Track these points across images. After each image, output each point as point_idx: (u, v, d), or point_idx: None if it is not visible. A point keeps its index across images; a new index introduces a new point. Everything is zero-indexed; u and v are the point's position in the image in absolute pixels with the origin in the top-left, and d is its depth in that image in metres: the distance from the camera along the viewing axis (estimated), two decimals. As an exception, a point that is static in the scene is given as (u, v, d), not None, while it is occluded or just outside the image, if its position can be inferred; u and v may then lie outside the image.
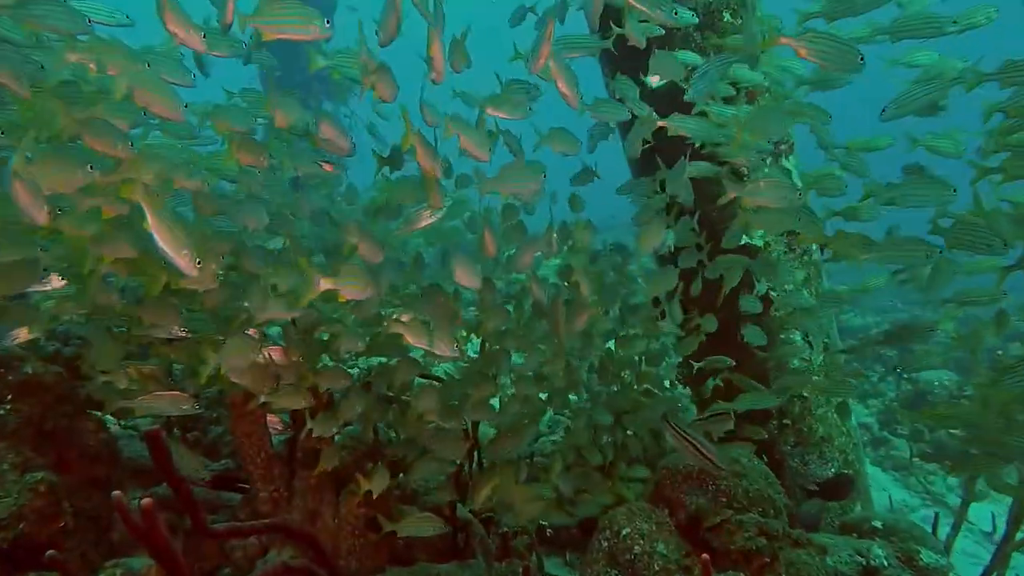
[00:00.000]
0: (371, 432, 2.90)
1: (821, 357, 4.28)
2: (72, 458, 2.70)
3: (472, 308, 3.83)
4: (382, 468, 2.51)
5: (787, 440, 4.27)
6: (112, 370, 2.44)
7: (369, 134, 6.30)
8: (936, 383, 7.96)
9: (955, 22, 2.85)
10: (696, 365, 3.92)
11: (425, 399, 2.51)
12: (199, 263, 1.97)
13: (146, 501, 1.54)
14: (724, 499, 2.64)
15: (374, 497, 2.55)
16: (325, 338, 2.69)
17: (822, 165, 3.58)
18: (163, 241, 1.92)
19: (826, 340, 4.32)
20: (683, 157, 3.20)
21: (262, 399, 2.35)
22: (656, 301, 3.90)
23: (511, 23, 4.08)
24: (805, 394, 4.24)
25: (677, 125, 3.12)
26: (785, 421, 4.25)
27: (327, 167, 2.68)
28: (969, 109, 3.18)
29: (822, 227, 2.77)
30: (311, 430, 2.47)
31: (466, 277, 2.41)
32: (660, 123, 3.12)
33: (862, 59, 2.43)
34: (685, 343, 3.71)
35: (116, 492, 1.56)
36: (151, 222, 1.91)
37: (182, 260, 1.95)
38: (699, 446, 2.52)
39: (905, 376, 8.14)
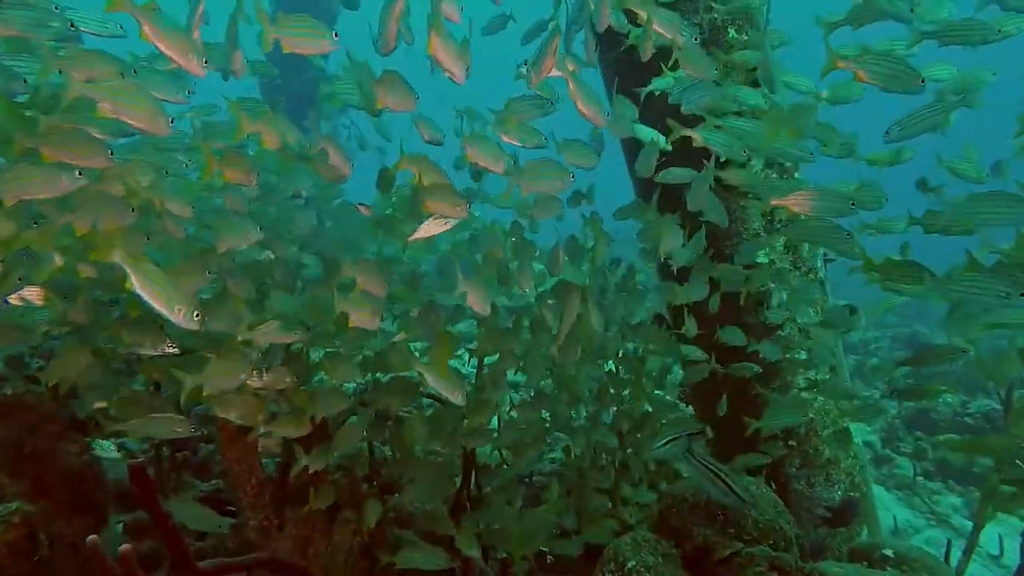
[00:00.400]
0: (367, 454, 2.80)
1: (828, 377, 4.18)
2: (53, 482, 2.58)
3: (472, 320, 3.73)
4: (374, 501, 2.41)
5: (792, 462, 4.17)
6: (74, 381, 2.37)
7: (360, 147, 6.22)
8: (940, 401, 7.86)
9: (999, 31, 2.75)
10: (713, 367, 3.72)
11: (418, 427, 2.41)
12: (197, 315, 1.94)
13: (124, 548, 1.44)
14: (733, 530, 2.54)
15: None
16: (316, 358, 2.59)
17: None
18: (154, 302, 1.89)
19: (831, 361, 4.22)
20: (706, 168, 3.10)
21: (258, 431, 2.26)
22: (660, 317, 3.80)
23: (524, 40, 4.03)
24: (811, 415, 4.15)
25: (705, 137, 3.02)
26: (791, 442, 4.15)
27: (363, 210, 2.68)
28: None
29: (862, 248, 2.62)
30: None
31: (477, 302, 2.34)
32: (691, 135, 3.01)
33: (922, 81, 2.35)
34: (695, 369, 3.60)
35: (92, 538, 1.45)
36: (137, 284, 1.86)
37: (178, 316, 1.93)
38: (725, 478, 2.43)
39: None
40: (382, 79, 2.31)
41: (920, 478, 7.08)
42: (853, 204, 2.52)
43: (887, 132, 2.67)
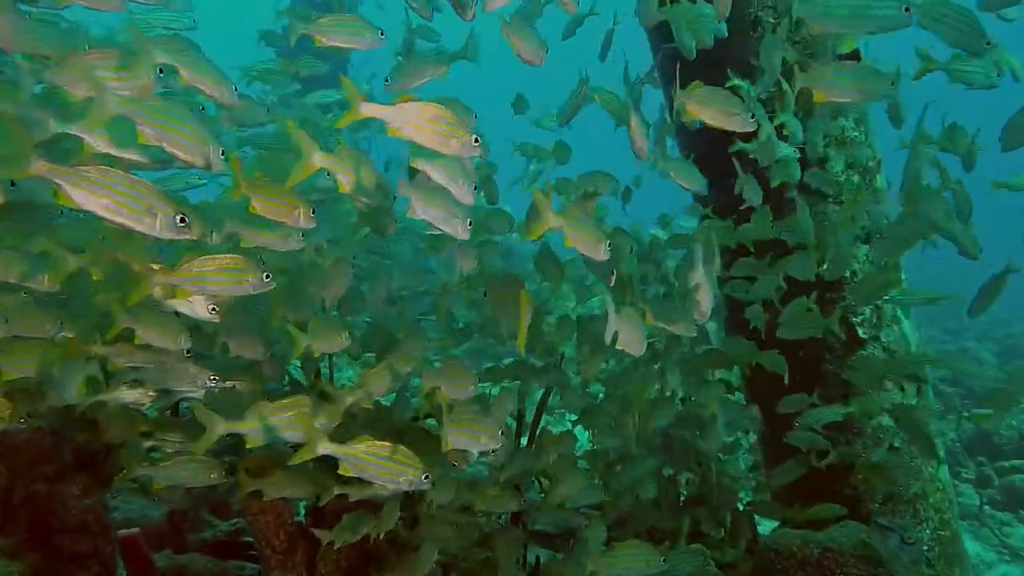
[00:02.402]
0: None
1: (915, 400, 3.75)
2: (50, 531, 2.23)
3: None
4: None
5: (875, 497, 3.72)
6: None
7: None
8: (1002, 423, 7.36)
9: None
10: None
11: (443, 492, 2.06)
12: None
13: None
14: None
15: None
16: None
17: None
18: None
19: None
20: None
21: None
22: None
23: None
24: (897, 444, 3.72)
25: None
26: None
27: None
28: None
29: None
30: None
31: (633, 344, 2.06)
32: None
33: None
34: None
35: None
36: None
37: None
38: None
39: (966, 415, 7.55)
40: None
41: (987, 507, 6.57)
42: (893, 84, 2.19)
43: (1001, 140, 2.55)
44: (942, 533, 3.77)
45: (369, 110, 1.68)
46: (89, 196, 1.50)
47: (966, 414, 7.59)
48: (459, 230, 1.85)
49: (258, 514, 2.04)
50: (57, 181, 1.48)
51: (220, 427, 1.82)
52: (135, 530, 1.59)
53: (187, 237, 1.64)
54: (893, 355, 3.63)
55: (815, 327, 2.80)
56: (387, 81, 2.45)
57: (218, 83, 1.89)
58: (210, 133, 1.75)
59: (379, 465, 1.77)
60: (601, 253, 1.89)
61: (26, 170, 1.47)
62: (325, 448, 1.73)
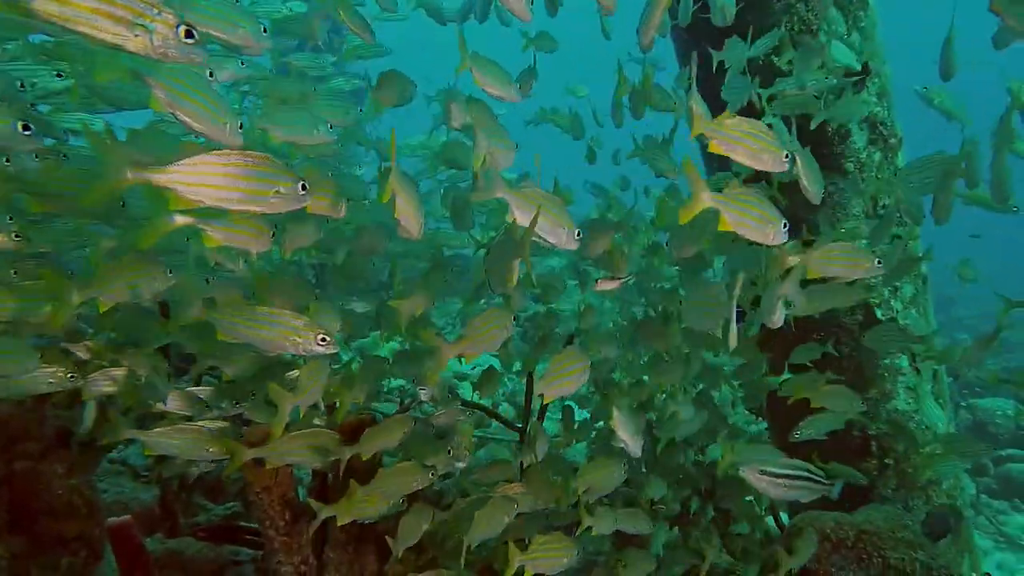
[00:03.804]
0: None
1: (930, 385, 3.67)
2: (35, 512, 2.07)
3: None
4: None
5: (888, 483, 3.64)
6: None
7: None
8: (998, 412, 7.34)
9: None
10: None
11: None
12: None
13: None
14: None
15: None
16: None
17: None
18: None
19: (935, 367, 3.70)
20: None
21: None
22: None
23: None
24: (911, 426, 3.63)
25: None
26: (887, 460, 3.63)
27: None
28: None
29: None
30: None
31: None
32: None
33: None
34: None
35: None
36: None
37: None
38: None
39: (964, 404, 7.52)
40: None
41: (983, 495, 6.54)
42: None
43: None
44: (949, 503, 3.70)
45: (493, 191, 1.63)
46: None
47: (964, 404, 7.57)
48: (565, 240, 1.73)
49: (261, 492, 1.88)
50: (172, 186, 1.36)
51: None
52: (126, 517, 1.44)
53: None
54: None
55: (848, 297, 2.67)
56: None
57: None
58: (228, 105, 1.61)
59: None
60: (772, 237, 1.66)
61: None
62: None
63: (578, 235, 1.73)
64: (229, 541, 2.84)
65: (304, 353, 1.65)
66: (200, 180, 1.34)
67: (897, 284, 3.47)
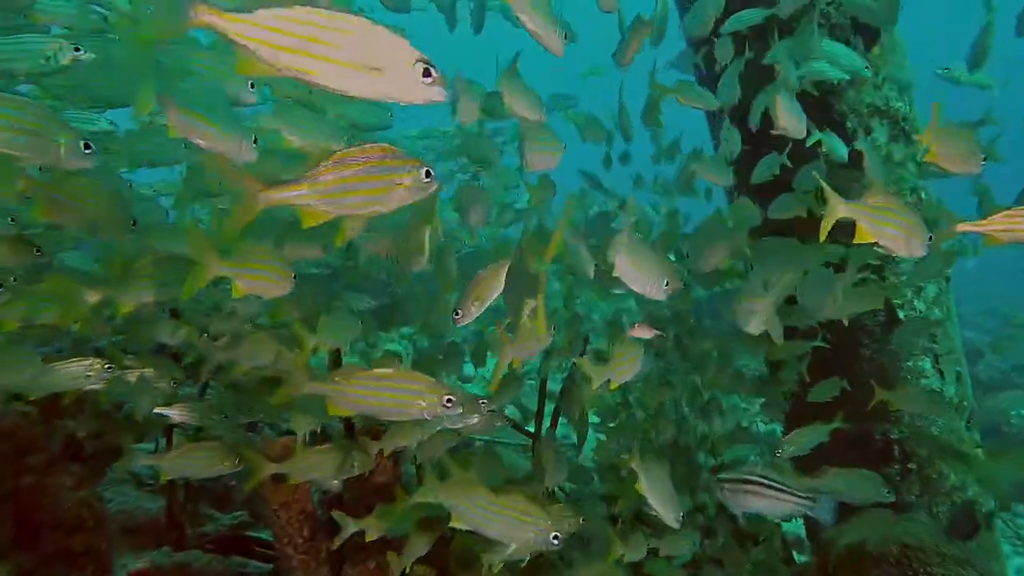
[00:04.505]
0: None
1: (954, 388, 3.58)
2: (42, 526, 1.99)
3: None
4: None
5: (912, 489, 3.55)
6: None
7: None
8: (1013, 413, 7.25)
9: None
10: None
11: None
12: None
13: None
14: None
15: None
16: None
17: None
18: None
19: (958, 369, 3.62)
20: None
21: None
22: None
23: None
24: (935, 431, 3.55)
25: None
26: (910, 465, 3.54)
27: None
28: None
29: None
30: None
31: None
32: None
33: None
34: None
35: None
36: None
37: None
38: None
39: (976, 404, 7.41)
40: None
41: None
42: None
43: None
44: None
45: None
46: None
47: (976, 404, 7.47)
48: (655, 292, 1.69)
49: (279, 508, 1.81)
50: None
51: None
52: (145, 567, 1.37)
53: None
54: (935, 338, 3.46)
55: (873, 300, 2.59)
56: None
57: None
58: (239, 124, 1.60)
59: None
60: (919, 249, 1.59)
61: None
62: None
63: (666, 284, 1.67)
64: (237, 551, 2.77)
65: (431, 417, 1.57)
66: (330, 191, 1.26)
67: (921, 284, 3.39)
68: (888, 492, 2.24)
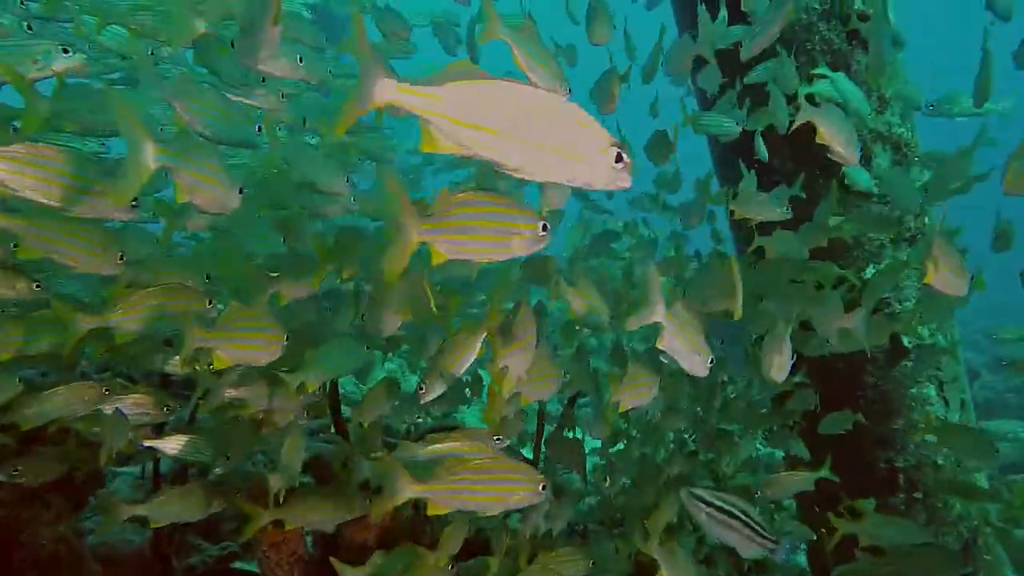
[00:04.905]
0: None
1: (958, 415, 3.53)
2: (17, 565, 1.89)
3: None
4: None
5: (917, 518, 3.48)
6: None
7: None
8: (1009, 435, 7.20)
9: None
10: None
11: None
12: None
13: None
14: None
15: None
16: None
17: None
18: None
19: (962, 396, 3.57)
20: None
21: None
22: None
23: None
24: (939, 461, 3.49)
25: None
26: (915, 495, 3.48)
27: None
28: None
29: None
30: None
31: None
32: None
33: None
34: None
35: None
36: None
37: None
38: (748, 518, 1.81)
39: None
40: None
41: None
42: None
43: None
44: (987, 558, 3.55)
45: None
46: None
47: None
48: (698, 367, 1.63)
49: (269, 550, 1.72)
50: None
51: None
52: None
53: None
54: (939, 365, 3.41)
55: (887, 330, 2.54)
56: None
57: None
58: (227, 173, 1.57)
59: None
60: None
61: None
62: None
63: (711, 362, 1.63)
64: (225, 587, 2.66)
65: (523, 505, 1.53)
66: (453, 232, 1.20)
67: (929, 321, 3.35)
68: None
